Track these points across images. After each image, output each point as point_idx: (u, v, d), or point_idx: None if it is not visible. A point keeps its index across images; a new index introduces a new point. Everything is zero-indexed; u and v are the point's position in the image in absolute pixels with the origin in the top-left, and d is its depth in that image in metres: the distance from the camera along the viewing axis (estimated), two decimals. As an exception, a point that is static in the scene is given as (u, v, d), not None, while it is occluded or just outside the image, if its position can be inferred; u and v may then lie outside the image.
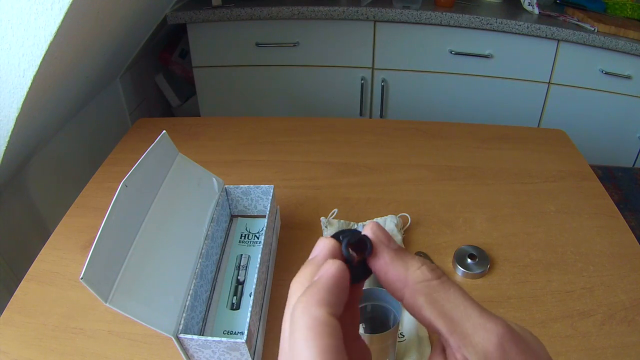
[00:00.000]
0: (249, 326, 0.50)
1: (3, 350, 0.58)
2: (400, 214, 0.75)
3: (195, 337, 0.49)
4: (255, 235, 0.72)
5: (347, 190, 0.84)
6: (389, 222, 0.73)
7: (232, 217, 0.77)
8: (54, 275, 0.69)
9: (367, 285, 0.60)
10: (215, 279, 0.66)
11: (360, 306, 0.53)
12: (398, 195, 0.81)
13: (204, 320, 0.60)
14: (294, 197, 0.82)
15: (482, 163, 0.91)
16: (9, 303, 0.65)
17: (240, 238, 0.72)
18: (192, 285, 0.56)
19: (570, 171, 0.87)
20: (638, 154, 1.59)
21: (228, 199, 0.74)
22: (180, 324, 0.51)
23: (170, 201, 0.61)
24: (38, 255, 0.72)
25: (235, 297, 0.62)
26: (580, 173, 0.86)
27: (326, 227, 0.73)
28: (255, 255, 0.68)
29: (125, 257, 0.50)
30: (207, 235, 0.64)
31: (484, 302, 0.63)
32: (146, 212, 0.56)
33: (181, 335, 0.50)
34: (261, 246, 0.59)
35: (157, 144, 0.61)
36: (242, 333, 0.57)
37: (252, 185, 0.72)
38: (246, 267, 0.67)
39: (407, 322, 0.59)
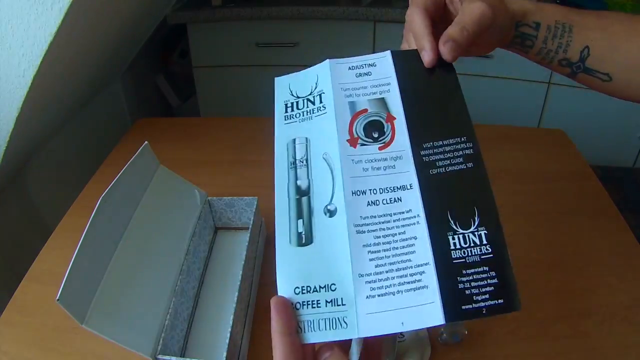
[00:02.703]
0: (229, 347, 0.49)
1: (3, 350, 0.58)
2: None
3: (173, 358, 0.49)
4: (309, 100, 0.61)
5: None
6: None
7: (217, 229, 0.75)
8: (54, 275, 0.68)
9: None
10: (198, 295, 0.64)
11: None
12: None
13: (186, 338, 0.59)
14: (294, 197, 0.81)
15: (482, 163, 0.91)
16: (9, 303, 0.65)
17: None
18: (172, 303, 0.55)
19: (570, 171, 0.87)
20: (638, 154, 1.59)
21: (211, 211, 0.72)
22: (159, 344, 0.50)
23: (150, 216, 0.59)
24: (38, 255, 0.72)
25: (301, 222, 0.57)
26: (580, 173, 0.86)
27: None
28: (316, 132, 0.61)
29: (102, 276, 0.49)
30: (188, 250, 0.62)
31: (484, 302, 0.63)
32: (125, 228, 0.55)
33: (160, 356, 0.49)
34: (243, 262, 0.58)
35: (139, 156, 0.59)
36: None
37: (235, 197, 0.70)
38: (306, 160, 0.60)
39: (407, 322, 0.59)
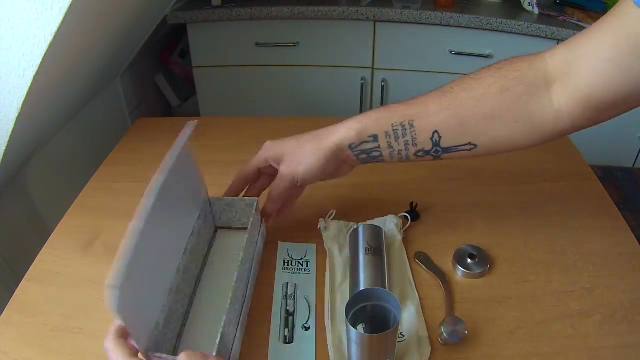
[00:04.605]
0: (218, 347, 0.49)
1: (3, 350, 0.58)
2: (400, 214, 0.75)
3: (164, 355, 0.49)
4: (299, 262, 0.68)
5: (347, 190, 0.83)
6: (389, 222, 0.73)
7: (217, 228, 0.75)
8: (54, 275, 0.69)
9: (367, 285, 0.60)
10: (194, 294, 0.64)
11: (360, 306, 0.53)
12: (398, 195, 0.81)
13: (179, 337, 0.59)
14: (294, 197, 0.81)
15: (482, 163, 0.91)
16: (9, 303, 0.65)
17: (284, 264, 0.68)
18: (167, 301, 0.55)
19: (570, 171, 0.87)
20: (638, 154, 1.59)
21: (212, 211, 0.72)
22: (151, 342, 0.50)
23: (161, 210, 0.57)
24: (38, 255, 0.72)
25: (287, 330, 0.59)
26: (580, 173, 0.86)
27: (325, 228, 0.73)
28: (302, 282, 0.65)
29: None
30: (186, 249, 0.62)
31: (484, 302, 0.63)
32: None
33: (151, 354, 0.49)
34: (249, 264, 0.58)
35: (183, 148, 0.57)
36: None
37: (236, 198, 0.70)
38: (294, 296, 0.63)
39: (407, 322, 0.59)
